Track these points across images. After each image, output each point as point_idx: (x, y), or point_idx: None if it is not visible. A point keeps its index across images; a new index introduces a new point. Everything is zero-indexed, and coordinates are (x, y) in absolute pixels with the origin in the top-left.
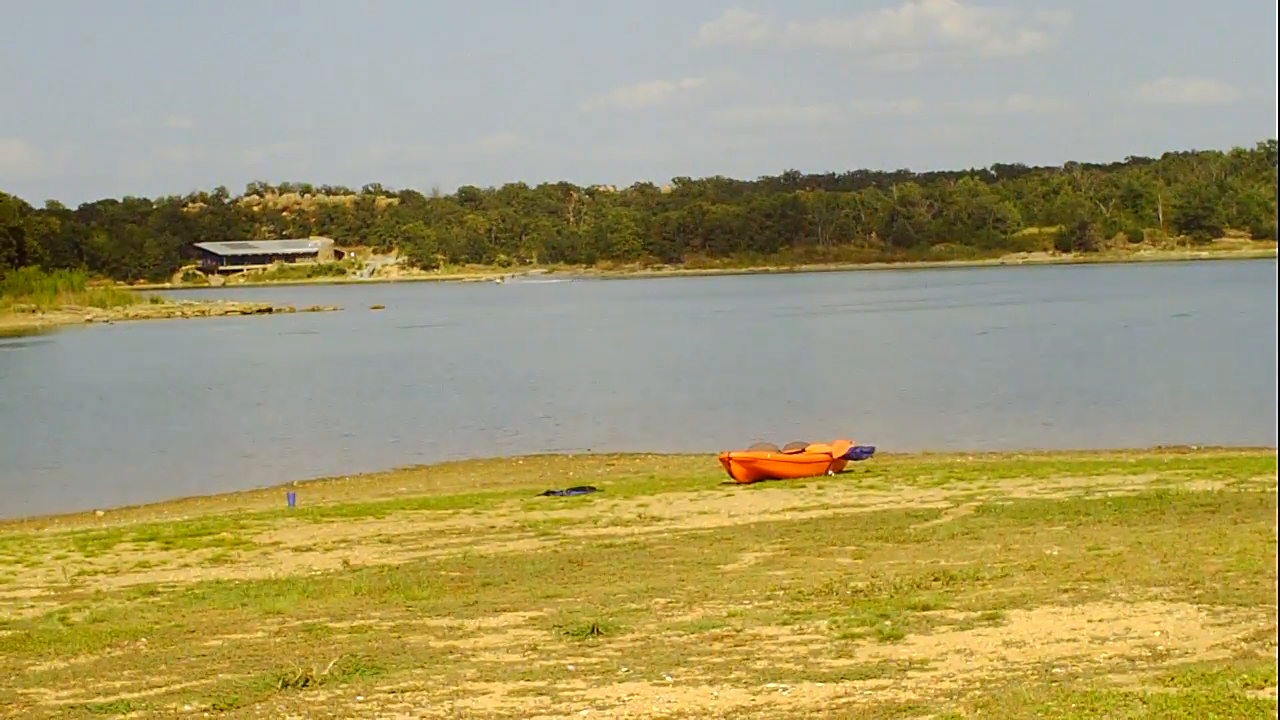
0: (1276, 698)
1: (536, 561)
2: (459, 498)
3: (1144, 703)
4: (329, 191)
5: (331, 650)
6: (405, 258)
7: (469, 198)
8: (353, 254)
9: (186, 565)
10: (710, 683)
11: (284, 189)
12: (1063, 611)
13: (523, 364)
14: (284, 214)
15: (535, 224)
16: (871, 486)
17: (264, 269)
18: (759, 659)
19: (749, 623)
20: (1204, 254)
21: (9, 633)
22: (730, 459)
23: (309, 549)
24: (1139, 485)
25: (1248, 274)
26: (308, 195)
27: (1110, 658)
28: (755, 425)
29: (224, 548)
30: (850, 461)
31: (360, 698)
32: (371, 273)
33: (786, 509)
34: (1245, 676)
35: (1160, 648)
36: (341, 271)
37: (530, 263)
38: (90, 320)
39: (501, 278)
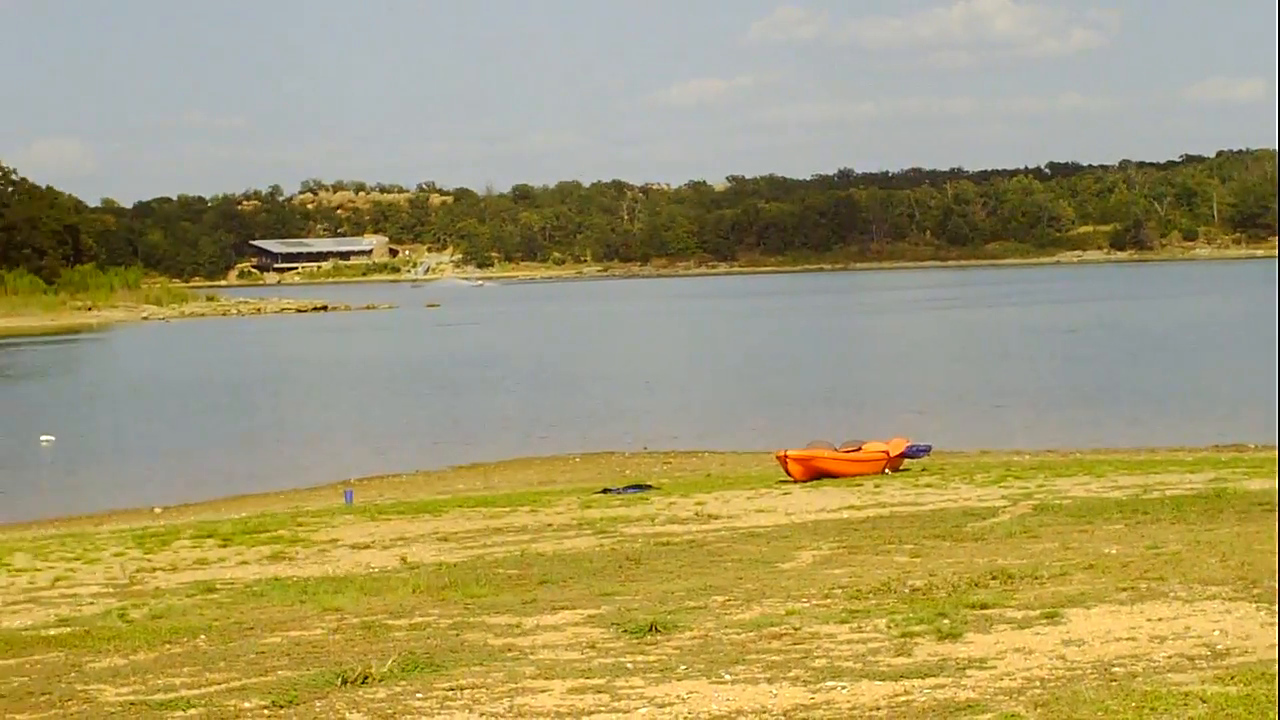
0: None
1: (594, 559)
2: (516, 495)
3: (1203, 701)
4: (383, 189)
5: (390, 647)
6: (460, 256)
7: (523, 195)
8: (407, 252)
9: (245, 562)
10: (769, 681)
11: (338, 187)
12: (1121, 610)
13: (578, 362)
14: (339, 212)
15: (589, 222)
16: (929, 485)
17: (319, 267)
18: (817, 657)
19: (807, 621)
20: (1259, 252)
21: (69, 629)
22: (787, 457)
23: (367, 546)
24: (1197, 484)
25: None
26: (362, 193)
27: (1169, 656)
28: (812, 423)
29: (282, 545)
30: (907, 460)
31: (419, 695)
32: (426, 271)
33: (844, 507)
34: None
35: (1219, 646)
36: (396, 269)
37: (585, 260)
38: (146, 317)
39: (415, 282)
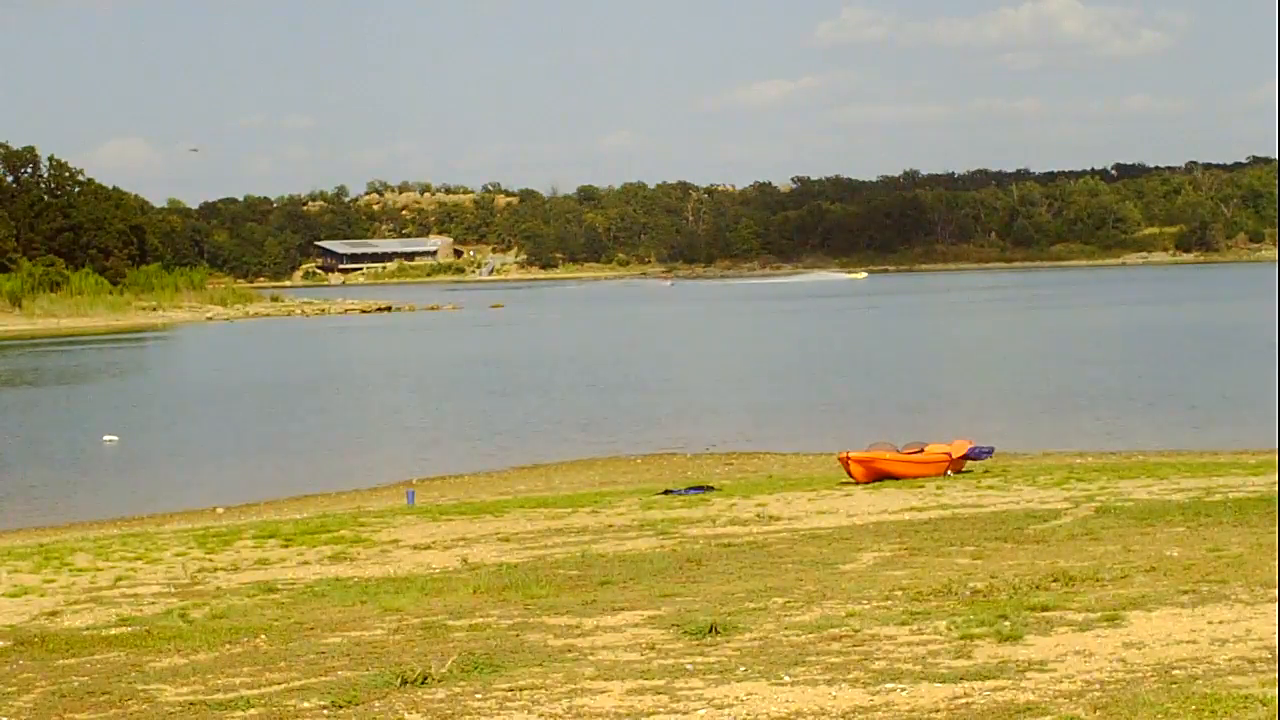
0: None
1: (655, 560)
2: (577, 496)
3: (1264, 705)
4: (448, 190)
5: (450, 648)
6: (524, 256)
7: (588, 197)
8: (472, 252)
9: (306, 562)
10: (828, 682)
11: (403, 188)
12: (1183, 613)
13: (640, 363)
14: (403, 213)
15: (654, 223)
16: (990, 487)
17: (383, 268)
18: (877, 659)
19: (867, 623)
20: None
21: (130, 629)
22: (849, 459)
23: (428, 547)
24: (1260, 486)
25: None
26: (427, 194)
27: (1230, 659)
28: (874, 425)
29: (343, 545)
30: (969, 462)
31: (479, 695)
32: (490, 271)
33: (905, 509)
34: None
35: None
36: (460, 270)
37: (649, 261)
38: (210, 318)
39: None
